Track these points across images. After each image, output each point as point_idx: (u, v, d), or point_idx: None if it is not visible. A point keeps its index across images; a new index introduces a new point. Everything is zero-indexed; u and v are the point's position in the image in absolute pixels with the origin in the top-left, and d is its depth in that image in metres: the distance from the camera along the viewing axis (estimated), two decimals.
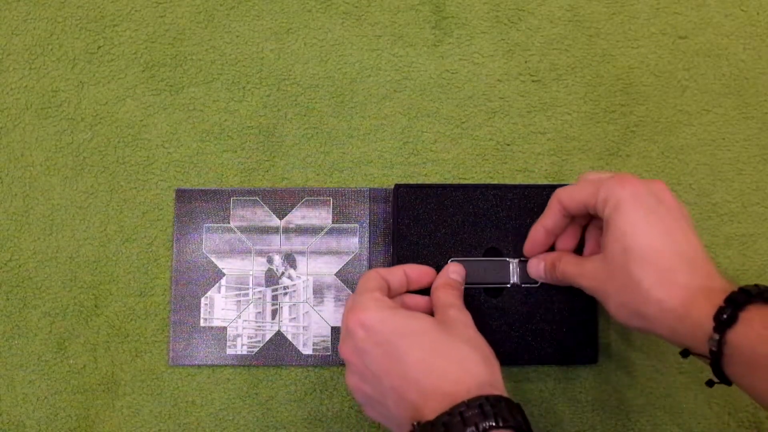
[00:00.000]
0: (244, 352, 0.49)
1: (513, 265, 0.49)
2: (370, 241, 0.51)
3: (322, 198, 0.51)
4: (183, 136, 0.52)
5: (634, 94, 0.53)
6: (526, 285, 0.49)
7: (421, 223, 0.49)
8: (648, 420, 0.49)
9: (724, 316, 0.36)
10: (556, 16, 0.54)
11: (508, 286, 0.49)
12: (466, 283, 0.48)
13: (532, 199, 0.49)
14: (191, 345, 0.49)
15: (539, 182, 0.52)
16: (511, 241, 0.49)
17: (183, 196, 0.51)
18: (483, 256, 0.49)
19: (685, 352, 0.42)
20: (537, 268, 0.48)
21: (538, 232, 0.47)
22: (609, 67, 0.53)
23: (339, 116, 0.53)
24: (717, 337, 0.36)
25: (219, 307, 0.50)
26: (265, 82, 0.53)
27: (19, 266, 0.51)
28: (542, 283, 0.49)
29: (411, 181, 0.52)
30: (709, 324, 0.36)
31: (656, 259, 0.40)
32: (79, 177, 0.52)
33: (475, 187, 0.50)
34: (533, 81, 0.53)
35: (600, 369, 0.50)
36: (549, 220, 0.46)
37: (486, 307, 0.49)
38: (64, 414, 0.49)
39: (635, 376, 0.50)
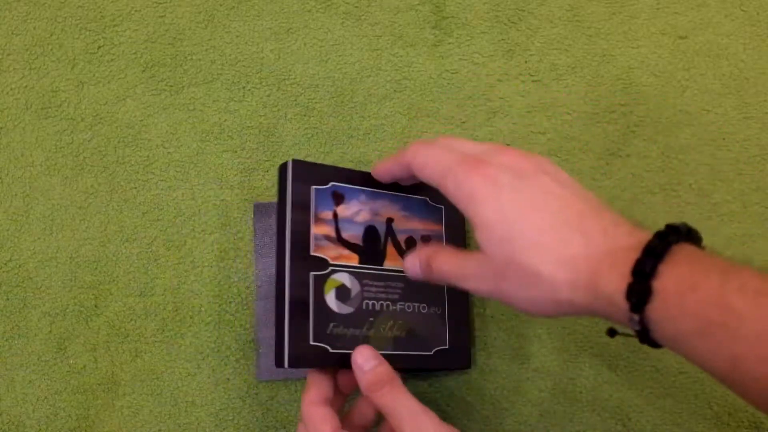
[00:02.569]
0: None
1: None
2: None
3: None
4: (183, 136, 0.52)
5: (634, 94, 0.53)
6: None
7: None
8: (648, 420, 0.49)
9: (636, 293, 0.31)
10: (556, 16, 0.54)
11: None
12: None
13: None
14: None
15: None
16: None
17: (262, 210, 0.50)
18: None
19: (612, 332, 0.39)
20: (413, 266, 0.42)
21: (385, 171, 0.43)
22: (609, 67, 0.53)
23: (339, 116, 0.53)
24: (637, 318, 0.31)
25: None
26: (265, 82, 0.53)
27: (19, 266, 0.51)
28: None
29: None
30: (623, 301, 0.31)
31: (540, 239, 0.34)
32: (79, 177, 0.52)
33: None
34: (533, 81, 0.53)
35: (600, 369, 0.50)
36: (397, 170, 0.42)
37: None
38: (64, 414, 0.49)
39: (635, 376, 0.50)
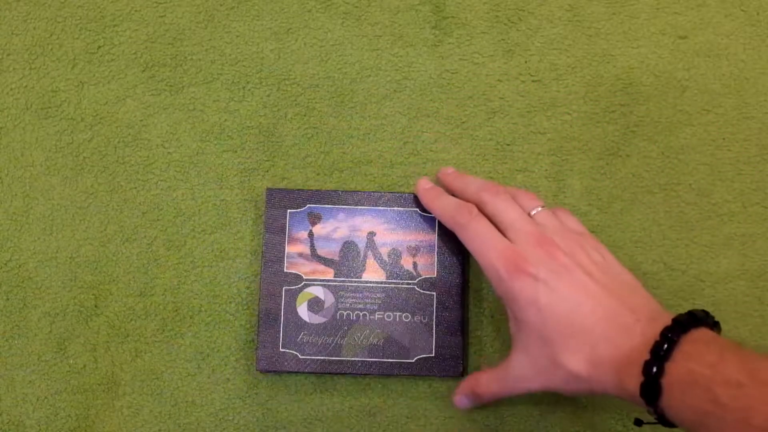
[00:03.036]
0: None
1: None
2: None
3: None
4: (183, 136, 0.52)
5: (634, 94, 0.53)
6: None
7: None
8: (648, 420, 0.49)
9: (648, 391, 0.36)
10: (556, 16, 0.54)
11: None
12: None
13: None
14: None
15: (540, 182, 0.52)
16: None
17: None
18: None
19: (638, 422, 0.43)
20: (461, 403, 0.47)
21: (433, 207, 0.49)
22: (609, 67, 0.53)
23: (339, 116, 0.53)
24: (652, 410, 0.37)
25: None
26: (265, 82, 0.53)
27: (19, 266, 0.51)
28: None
29: (409, 182, 0.52)
30: (639, 398, 0.37)
31: (575, 343, 0.40)
32: (79, 177, 0.52)
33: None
34: (533, 81, 0.53)
35: None
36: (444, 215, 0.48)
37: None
38: (64, 414, 0.49)
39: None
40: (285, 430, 0.49)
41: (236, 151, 0.52)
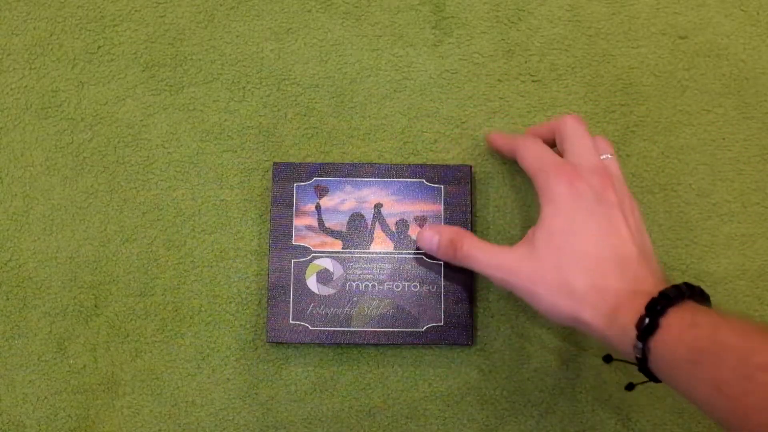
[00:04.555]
0: None
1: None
2: None
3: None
4: (183, 136, 0.52)
5: (634, 94, 0.53)
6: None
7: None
8: (648, 420, 0.49)
9: (645, 324, 0.36)
10: (556, 16, 0.54)
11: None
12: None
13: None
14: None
15: None
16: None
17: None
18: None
19: (608, 358, 0.44)
20: (430, 240, 0.47)
21: (495, 143, 0.49)
22: (609, 67, 0.53)
23: (339, 116, 0.53)
24: (640, 345, 0.36)
25: None
26: (265, 82, 0.53)
27: (19, 266, 0.51)
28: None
29: None
30: (633, 330, 0.37)
31: (588, 263, 0.40)
32: (79, 177, 0.52)
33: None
34: (533, 81, 0.53)
35: (600, 369, 0.50)
36: (506, 149, 0.48)
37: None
38: (64, 414, 0.49)
39: (635, 376, 0.50)
40: (285, 430, 0.49)
41: (236, 151, 0.52)
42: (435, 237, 0.47)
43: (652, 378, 0.38)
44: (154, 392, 0.50)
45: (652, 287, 0.38)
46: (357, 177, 0.50)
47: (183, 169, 0.52)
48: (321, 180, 0.50)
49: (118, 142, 0.52)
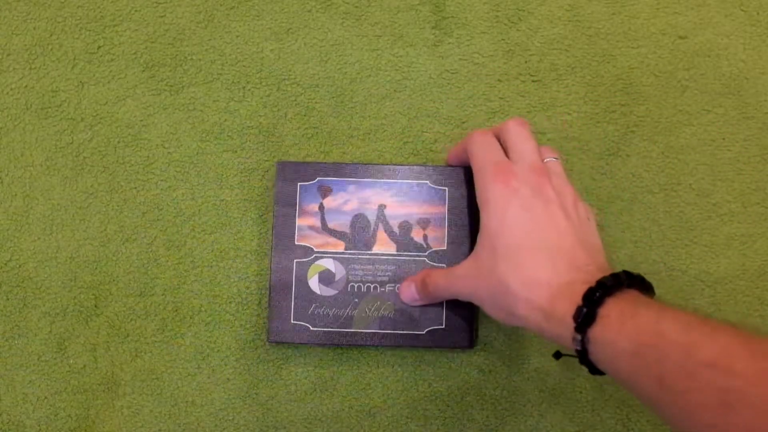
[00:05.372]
0: None
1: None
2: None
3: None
4: (183, 136, 0.52)
5: (634, 94, 0.53)
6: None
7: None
8: (648, 420, 0.49)
9: (583, 314, 0.35)
10: (556, 16, 0.54)
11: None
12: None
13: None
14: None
15: None
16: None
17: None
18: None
19: (558, 354, 0.43)
20: (409, 291, 0.48)
21: (453, 156, 0.49)
22: (609, 67, 0.53)
23: (339, 116, 0.53)
24: (579, 337, 0.36)
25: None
26: (265, 82, 0.53)
27: (19, 266, 0.51)
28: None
29: None
30: (571, 322, 0.36)
31: (520, 257, 0.39)
32: (79, 177, 0.52)
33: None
34: (533, 81, 0.53)
35: None
36: (463, 155, 0.47)
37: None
38: (64, 414, 0.49)
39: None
40: (285, 430, 0.49)
41: (236, 151, 0.52)
42: (411, 285, 0.47)
43: (596, 371, 0.37)
44: (154, 392, 0.50)
45: (591, 278, 0.37)
46: (361, 177, 0.50)
47: (183, 169, 0.52)
48: (325, 180, 0.49)
49: (118, 142, 0.52)
